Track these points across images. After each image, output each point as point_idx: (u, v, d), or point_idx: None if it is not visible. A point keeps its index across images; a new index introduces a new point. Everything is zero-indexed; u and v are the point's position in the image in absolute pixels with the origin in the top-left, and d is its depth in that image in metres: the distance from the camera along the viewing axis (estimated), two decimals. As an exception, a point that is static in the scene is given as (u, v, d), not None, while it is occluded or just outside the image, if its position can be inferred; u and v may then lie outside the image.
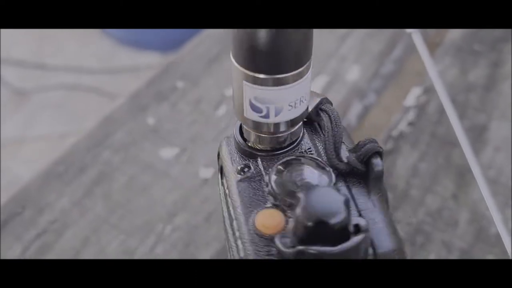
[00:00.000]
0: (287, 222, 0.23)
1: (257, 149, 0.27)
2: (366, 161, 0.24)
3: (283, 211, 0.23)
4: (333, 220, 0.21)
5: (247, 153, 0.27)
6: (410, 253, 0.46)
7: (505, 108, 0.57)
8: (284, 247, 0.22)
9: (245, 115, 0.25)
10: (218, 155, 0.29)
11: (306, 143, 0.27)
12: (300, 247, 0.21)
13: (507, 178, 0.51)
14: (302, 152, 0.27)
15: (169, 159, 0.52)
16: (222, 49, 0.62)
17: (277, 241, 0.22)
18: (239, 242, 0.24)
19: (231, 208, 0.25)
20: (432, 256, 0.46)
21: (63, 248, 0.46)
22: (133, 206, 0.49)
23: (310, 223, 0.21)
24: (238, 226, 0.24)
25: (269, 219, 0.23)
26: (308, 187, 0.23)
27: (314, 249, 0.21)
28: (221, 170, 0.28)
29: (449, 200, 0.50)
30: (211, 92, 0.58)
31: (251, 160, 0.27)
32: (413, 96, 0.58)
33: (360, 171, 0.24)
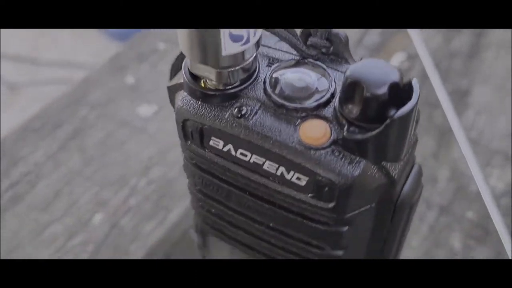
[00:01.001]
0: (331, 130, 0.21)
1: (216, 89, 0.23)
2: (327, 37, 0.23)
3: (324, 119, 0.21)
4: (397, 78, 0.20)
5: (212, 99, 0.23)
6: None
7: (488, 75, 0.57)
8: (354, 134, 0.20)
9: (223, 53, 0.21)
10: (184, 123, 0.24)
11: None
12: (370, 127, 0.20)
13: (488, 141, 0.50)
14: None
15: (146, 116, 0.52)
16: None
17: (345, 131, 0.20)
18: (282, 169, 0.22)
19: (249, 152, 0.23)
20: (410, 212, 0.45)
21: (34, 199, 0.45)
22: (108, 160, 0.48)
23: (380, 90, 0.19)
24: (281, 150, 0.21)
25: (314, 129, 0.21)
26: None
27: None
28: (201, 132, 0.23)
29: (429, 157, 0.49)
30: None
31: (228, 102, 0.23)
32: (395, 62, 0.58)
33: (327, 47, 0.23)
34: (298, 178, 0.21)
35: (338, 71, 0.23)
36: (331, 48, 0.23)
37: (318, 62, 0.23)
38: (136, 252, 0.42)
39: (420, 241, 0.43)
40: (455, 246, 0.43)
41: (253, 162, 0.22)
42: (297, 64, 0.23)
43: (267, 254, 0.27)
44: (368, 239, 0.25)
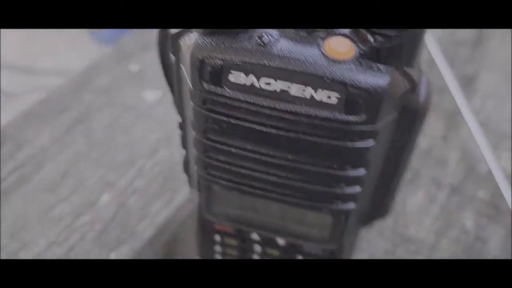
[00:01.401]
0: (355, 44, 0.21)
1: None
2: None
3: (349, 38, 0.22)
4: None
5: (229, 33, 0.22)
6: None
7: (493, 62, 0.57)
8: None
9: None
10: (201, 62, 0.22)
11: None
12: None
13: (496, 124, 0.50)
14: None
15: (152, 101, 0.51)
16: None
17: (373, 41, 0.21)
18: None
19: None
20: (420, 192, 0.44)
21: (41, 181, 0.44)
22: (114, 143, 0.47)
23: None
24: (308, 68, 0.21)
25: (339, 45, 0.21)
26: None
27: None
28: (220, 68, 0.22)
29: (438, 139, 0.49)
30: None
31: (246, 35, 0.22)
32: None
33: None
34: (328, 97, 0.21)
35: None
36: None
37: None
38: (144, 231, 0.41)
39: (432, 221, 0.43)
40: (467, 225, 0.42)
41: (279, 90, 0.22)
42: None
43: (280, 198, 0.26)
44: (386, 155, 0.25)
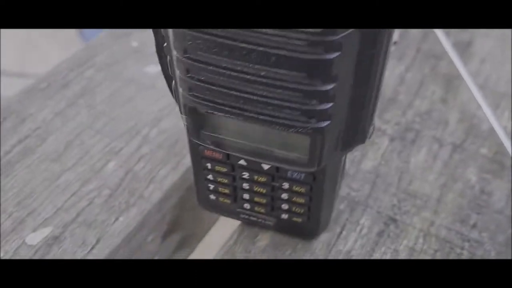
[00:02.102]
0: None
1: None
2: None
3: None
4: None
5: None
6: (401, 148, 0.45)
7: (488, 29, 0.57)
8: None
9: None
10: None
11: None
12: None
13: (494, 85, 0.51)
14: None
15: (154, 74, 0.51)
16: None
17: None
18: None
19: None
20: (423, 151, 0.45)
21: (45, 152, 0.44)
22: (118, 114, 0.47)
23: None
24: None
25: None
26: None
27: None
28: None
29: (438, 103, 0.49)
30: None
31: None
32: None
33: None
34: None
35: None
36: None
37: None
38: (152, 195, 0.41)
39: (436, 176, 0.43)
40: (472, 180, 0.43)
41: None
42: None
43: (260, 118, 0.27)
44: (355, 71, 0.25)
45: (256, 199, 0.35)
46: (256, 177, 0.34)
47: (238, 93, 0.26)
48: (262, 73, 0.25)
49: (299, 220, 0.36)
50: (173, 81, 0.29)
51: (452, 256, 0.38)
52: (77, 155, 0.44)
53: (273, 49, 0.24)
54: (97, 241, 0.38)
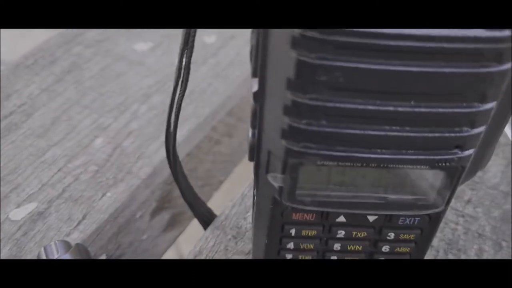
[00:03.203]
0: None
1: None
2: None
3: None
4: None
5: None
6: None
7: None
8: None
9: None
10: None
11: None
12: None
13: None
14: None
15: (144, 51, 0.50)
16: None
17: None
18: None
19: None
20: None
21: (31, 128, 0.43)
22: (106, 90, 0.46)
23: None
24: None
25: None
26: None
27: None
28: None
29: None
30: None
31: None
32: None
33: None
34: None
35: None
36: None
37: None
38: (140, 171, 0.40)
39: (431, 152, 0.42)
40: (467, 156, 0.42)
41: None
42: None
43: (384, 158, 0.22)
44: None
45: (347, 258, 0.30)
46: (355, 233, 0.28)
47: (371, 133, 0.21)
48: (411, 102, 0.20)
49: None
50: (253, 135, 0.23)
51: (447, 231, 0.37)
52: (64, 130, 0.43)
53: (435, 66, 0.19)
54: (84, 217, 0.37)
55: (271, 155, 0.23)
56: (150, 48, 0.50)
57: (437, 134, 0.21)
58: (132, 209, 0.39)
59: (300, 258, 0.29)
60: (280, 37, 0.20)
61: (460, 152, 0.22)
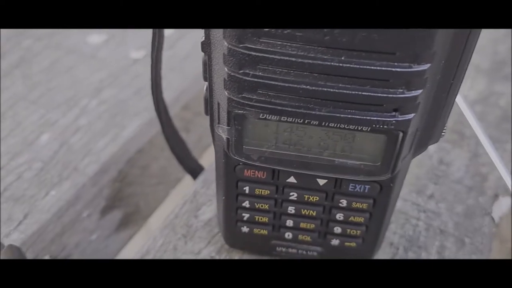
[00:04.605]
0: None
1: None
2: None
3: None
4: None
5: None
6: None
7: None
8: None
9: None
10: None
11: None
12: None
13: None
14: None
15: (96, 43, 0.48)
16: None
17: None
18: None
19: None
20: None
21: (-26, 124, 0.41)
22: (55, 84, 0.44)
23: None
24: None
25: None
26: None
27: None
28: None
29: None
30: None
31: None
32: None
33: None
34: None
35: None
36: None
37: None
38: (87, 168, 0.38)
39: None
40: (430, 149, 0.40)
41: None
42: None
43: (327, 116, 0.22)
44: (449, 49, 0.21)
45: (303, 224, 0.29)
46: (307, 196, 0.28)
47: (306, 87, 0.21)
48: (342, 58, 0.20)
49: (353, 244, 0.30)
50: (206, 88, 0.24)
51: (407, 228, 0.35)
52: (8, 127, 0.41)
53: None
54: (25, 217, 0.35)
55: (220, 107, 0.23)
56: (104, 41, 0.48)
57: (372, 93, 0.21)
58: (77, 208, 0.37)
59: (257, 219, 0.30)
60: None
61: (398, 115, 0.21)
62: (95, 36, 0.49)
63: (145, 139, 0.41)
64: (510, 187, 0.38)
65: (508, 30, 0.53)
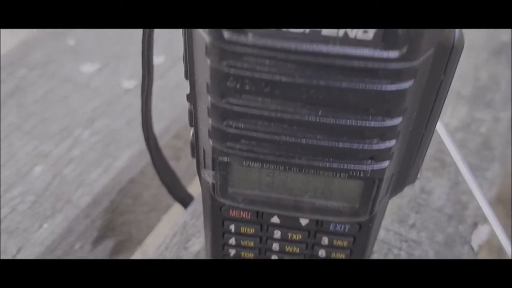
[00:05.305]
0: None
1: None
2: None
3: None
4: None
5: None
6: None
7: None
8: None
9: None
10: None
11: None
12: None
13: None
14: None
15: (90, 72, 0.49)
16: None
17: None
18: None
19: None
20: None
21: (-31, 155, 0.42)
22: (49, 114, 0.45)
23: None
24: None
25: None
26: None
27: None
28: None
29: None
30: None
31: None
32: None
33: None
34: (364, 32, 0.19)
35: None
36: None
37: None
38: (80, 200, 0.39)
39: (377, 175, 0.42)
40: (412, 178, 0.42)
41: (309, 30, 0.19)
42: None
43: (306, 164, 0.23)
44: (421, 101, 0.22)
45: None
46: (290, 235, 0.29)
47: (286, 139, 0.22)
48: (320, 112, 0.21)
49: None
50: (192, 134, 0.25)
51: (390, 257, 0.37)
52: (2, 158, 0.42)
53: (336, 81, 0.20)
54: (18, 250, 0.36)
55: (205, 153, 0.25)
56: (97, 70, 0.50)
57: (348, 145, 0.22)
58: (70, 240, 0.38)
59: (243, 254, 0.31)
60: (199, 44, 0.21)
61: (374, 164, 0.23)
62: (88, 65, 0.50)
63: (137, 169, 0.42)
64: (488, 216, 0.39)
65: (490, 57, 0.54)
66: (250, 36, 0.20)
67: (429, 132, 0.24)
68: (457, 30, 0.21)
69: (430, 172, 0.42)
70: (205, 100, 0.23)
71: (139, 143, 0.43)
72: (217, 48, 0.21)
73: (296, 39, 0.20)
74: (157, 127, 0.44)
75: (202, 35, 0.21)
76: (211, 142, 0.24)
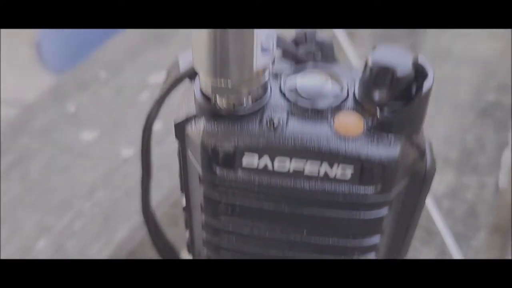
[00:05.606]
0: (362, 119, 0.22)
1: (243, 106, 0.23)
2: (316, 44, 0.24)
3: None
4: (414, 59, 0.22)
5: (241, 118, 0.23)
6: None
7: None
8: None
9: (254, 68, 0.21)
10: (213, 149, 0.23)
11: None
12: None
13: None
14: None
15: (89, 141, 0.51)
16: (145, 39, 0.63)
17: (379, 115, 0.22)
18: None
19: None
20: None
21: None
22: (51, 185, 0.47)
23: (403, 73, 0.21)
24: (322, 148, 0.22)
25: (348, 121, 0.22)
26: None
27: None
28: (233, 153, 0.23)
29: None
30: (134, 80, 0.58)
31: (254, 116, 0.22)
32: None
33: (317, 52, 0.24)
34: (343, 171, 0.22)
35: (339, 69, 0.24)
36: (321, 54, 0.25)
37: (318, 65, 0.24)
38: (82, 275, 0.41)
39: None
40: (401, 248, 0.44)
41: (292, 170, 0.22)
42: (299, 69, 0.24)
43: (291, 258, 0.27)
44: (397, 220, 0.26)
45: None
46: None
47: (274, 252, 0.26)
48: (304, 233, 0.25)
49: None
50: (189, 235, 0.29)
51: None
52: (7, 233, 0.43)
53: (318, 211, 0.24)
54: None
55: (197, 254, 0.28)
56: (95, 138, 0.51)
57: (329, 256, 0.25)
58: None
59: None
60: (193, 171, 0.24)
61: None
62: (88, 133, 0.52)
63: (136, 241, 0.44)
64: None
65: (476, 118, 0.56)
66: (240, 172, 0.23)
67: (407, 242, 0.28)
68: (428, 158, 0.24)
69: (417, 242, 0.44)
70: (199, 218, 0.26)
71: (138, 215, 0.45)
72: (209, 181, 0.23)
73: (280, 177, 0.23)
74: (156, 197, 0.45)
75: (196, 166, 0.23)
76: (205, 250, 0.27)
